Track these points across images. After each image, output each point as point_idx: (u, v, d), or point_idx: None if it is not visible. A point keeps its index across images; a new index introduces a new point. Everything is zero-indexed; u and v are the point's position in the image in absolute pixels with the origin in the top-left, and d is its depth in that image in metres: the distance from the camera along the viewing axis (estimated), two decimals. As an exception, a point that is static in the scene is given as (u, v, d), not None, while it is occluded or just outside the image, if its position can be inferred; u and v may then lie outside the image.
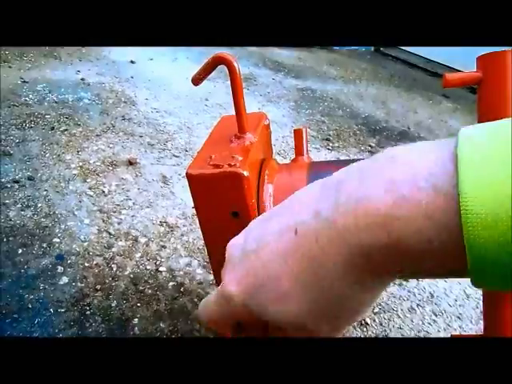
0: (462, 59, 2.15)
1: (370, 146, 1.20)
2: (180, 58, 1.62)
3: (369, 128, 1.33)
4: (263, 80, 1.57)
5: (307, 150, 0.38)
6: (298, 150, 0.38)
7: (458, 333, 0.61)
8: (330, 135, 1.21)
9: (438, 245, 0.15)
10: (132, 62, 1.44)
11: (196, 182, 0.30)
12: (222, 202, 0.30)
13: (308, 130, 1.24)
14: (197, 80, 0.33)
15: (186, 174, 0.30)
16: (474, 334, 0.58)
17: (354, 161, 0.39)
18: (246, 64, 1.75)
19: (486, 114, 0.35)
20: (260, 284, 0.20)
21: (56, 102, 1.05)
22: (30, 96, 1.04)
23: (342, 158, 1.10)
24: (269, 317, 0.20)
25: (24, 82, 1.11)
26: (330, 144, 1.15)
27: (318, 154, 1.09)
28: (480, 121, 0.35)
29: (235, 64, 0.31)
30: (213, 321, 0.24)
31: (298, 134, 0.38)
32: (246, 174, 0.29)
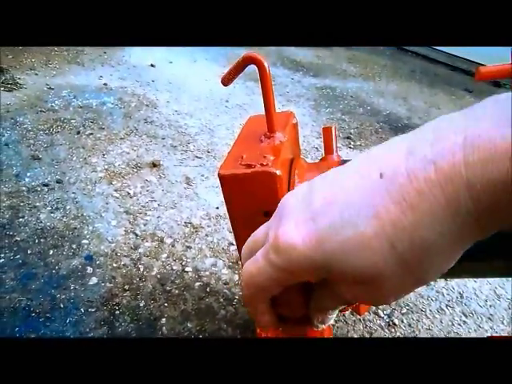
0: (483, 53, 2.09)
1: (392, 143, 1.18)
2: (199, 60, 1.63)
3: (390, 125, 1.31)
4: (282, 80, 1.57)
5: (336, 149, 0.38)
6: (328, 148, 0.37)
7: (489, 334, 0.60)
8: (351, 133, 1.20)
9: None
10: (152, 65, 1.46)
11: (228, 182, 0.30)
12: (255, 202, 0.30)
13: (329, 128, 1.23)
14: (227, 80, 0.33)
15: (218, 174, 0.30)
16: (509, 335, 0.57)
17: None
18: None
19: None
20: (335, 227, 0.17)
21: (81, 107, 1.07)
22: (56, 102, 1.07)
23: (364, 156, 1.09)
24: (344, 266, 0.17)
25: (50, 88, 1.14)
26: (352, 142, 1.14)
27: (339, 152, 1.08)
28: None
29: (265, 64, 0.31)
30: (252, 288, 0.20)
31: (327, 132, 0.37)
32: (278, 173, 0.29)
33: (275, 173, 0.29)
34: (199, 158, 0.93)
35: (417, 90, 1.72)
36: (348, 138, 1.17)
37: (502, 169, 0.13)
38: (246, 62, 0.31)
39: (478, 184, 0.14)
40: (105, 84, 1.24)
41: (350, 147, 1.12)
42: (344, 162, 0.36)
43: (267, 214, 0.31)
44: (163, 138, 0.99)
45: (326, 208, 0.17)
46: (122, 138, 0.96)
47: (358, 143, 1.15)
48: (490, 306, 0.65)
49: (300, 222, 0.18)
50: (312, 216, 0.18)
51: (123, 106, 1.12)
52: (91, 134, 0.96)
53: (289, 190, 0.33)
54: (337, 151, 0.38)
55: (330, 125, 0.38)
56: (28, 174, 0.78)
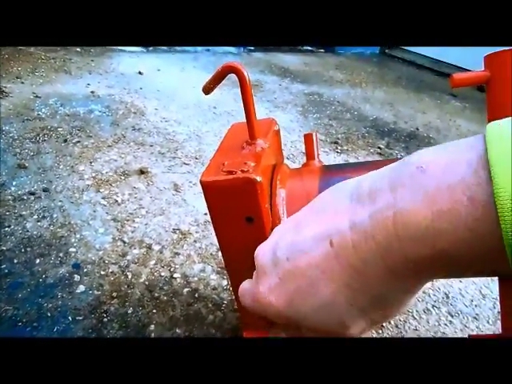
0: (469, 58, 2.13)
1: (379, 147, 1.20)
2: (187, 68, 1.64)
3: (377, 130, 1.33)
4: (270, 86, 1.59)
5: (318, 154, 0.38)
6: (309, 154, 0.38)
7: (475, 333, 0.61)
8: (338, 138, 1.21)
9: (482, 252, 0.15)
10: (140, 73, 1.47)
11: (210, 189, 0.31)
12: (237, 208, 0.31)
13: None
14: (207, 89, 0.33)
15: (200, 181, 0.31)
16: (492, 334, 0.58)
17: (364, 164, 0.39)
18: (252, 71, 1.76)
19: (495, 113, 0.35)
20: (300, 292, 0.20)
21: (68, 115, 1.07)
22: (43, 110, 1.07)
23: (351, 160, 1.10)
24: (308, 322, 0.21)
25: (36, 96, 1.14)
26: (339, 147, 1.16)
27: (326, 157, 1.09)
28: (490, 120, 0.35)
29: (245, 73, 0.32)
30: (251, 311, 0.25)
31: (308, 138, 0.38)
32: (259, 179, 0.30)
33: (256, 179, 0.30)
34: (187, 164, 0.94)
35: (403, 95, 1.75)
36: (335, 142, 1.18)
37: (428, 243, 0.16)
38: (226, 70, 0.32)
39: (411, 254, 0.16)
40: (92, 92, 1.24)
41: (338, 151, 1.13)
42: (324, 168, 0.37)
43: (249, 220, 0.32)
44: (151, 145, 1.00)
45: (291, 274, 0.21)
46: (109, 146, 0.96)
47: (346, 148, 1.16)
48: (476, 305, 0.66)
49: (272, 285, 0.21)
50: (281, 279, 0.21)
51: (111, 114, 1.12)
52: (78, 141, 0.96)
53: (271, 196, 0.34)
54: (318, 157, 0.38)
55: (312, 131, 0.39)
56: (14, 183, 0.78)
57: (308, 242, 0.20)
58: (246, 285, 0.25)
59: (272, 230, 0.29)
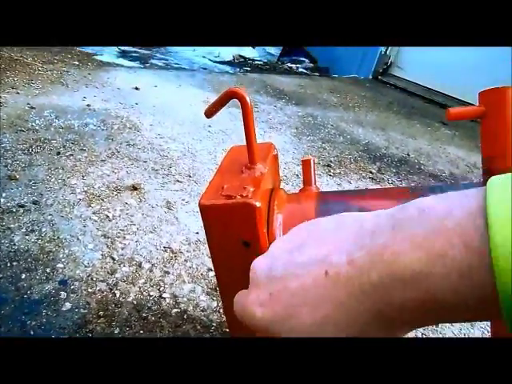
0: (459, 87, 2.19)
1: (370, 172, 1.21)
2: (184, 85, 1.66)
3: (369, 154, 1.35)
4: (265, 107, 1.61)
5: (315, 180, 0.39)
6: (307, 179, 0.38)
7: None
8: (331, 161, 1.23)
9: (474, 300, 0.15)
10: (136, 88, 1.48)
11: (209, 212, 0.31)
12: (234, 232, 0.31)
13: (309, 156, 1.26)
14: (210, 112, 0.34)
15: (199, 204, 0.31)
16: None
17: (360, 191, 0.40)
18: (248, 91, 1.77)
19: (489, 146, 0.36)
20: (286, 313, 0.20)
21: (62, 128, 1.06)
22: (37, 122, 1.06)
23: (344, 184, 1.11)
24: (286, 337, 0.21)
25: (31, 107, 1.13)
26: (332, 170, 1.17)
27: (319, 179, 1.10)
28: (484, 152, 0.36)
29: (247, 98, 0.32)
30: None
31: (305, 164, 0.39)
32: (258, 204, 0.30)
33: (255, 204, 0.30)
34: (180, 182, 0.94)
35: (395, 121, 1.78)
36: (328, 165, 1.19)
37: (421, 287, 0.16)
38: (229, 96, 0.32)
39: (403, 296, 0.17)
40: (88, 105, 1.24)
41: (330, 175, 1.14)
42: (321, 194, 0.37)
43: (247, 244, 0.32)
44: (145, 161, 0.99)
45: (281, 293, 0.21)
46: (103, 160, 0.96)
47: (338, 171, 1.18)
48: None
49: (261, 299, 0.22)
50: (271, 295, 0.21)
51: (106, 128, 1.12)
52: (71, 155, 0.95)
53: (268, 221, 0.34)
54: (315, 182, 0.39)
55: (309, 157, 0.39)
56: (3, 195, 0.77)
57: (303, 267, 0.21)
58: (240, 293, 0.25)
59: None
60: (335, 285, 0.19)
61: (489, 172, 0.35)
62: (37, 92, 1.26)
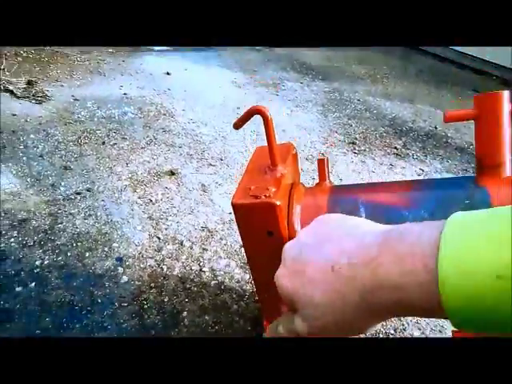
0: (492, 51, 2.11)
1: (395, 148, 1.24)
2: (212, 66, 1.71)
3: (395, 129, 1.37)
4: (291, 84, 1.64)
5: (328, 176, 0.45)
6: (322, 176, 0.45)
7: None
8: (356, 138, 1.27)
9: (429, 305, 0.21)
10: (168, 73, 1.55)
11: (240, 209, 0.39)
12: (260, 224, 0.39)
13: (336, 134, 1.30)
14: (237, 126, 0.41)
15: (232, 203, 0.39)
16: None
17: (370, 185, 0.46)
18: (274, 68, 1.82)
19: (481, 145, 0.41)
20: (302, 289, 0.28)
21: (104, 118, 1.17)
22: (82, 113, 1.17)
23: (368, 161, 1.15)
24: (298, 309, 0.29)
25: (75, 99, 1.24)
26: (356, 148, 1.21)
27: (344, 158, 1.15)
28: (478, 152, 0.41)
29: (268, 114, 0.39)
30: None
31: (320, 163, 0.45)
32: (278, 203, 0.37)
33: (275, 203, 0.37)
34: (213, 165, 1.02)
35: (424, 91, 1.76)
36: (353, 143, 1.23)
37: (395, 294, 0.22)
38: (252, 112, 0.39)
39: (383, 299, 0.23)
40: (125, 94, 1.33)
41: (355, 152, 1.19)
42: (333, 188, 0.44)
43: (270, 233, 0.39)
44: (180, 147, 1.08)
45: (300, 272, 0.29)
46: (142, 148, 1.05)
47: (363, 148, 1.22)
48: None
49: (286, 273, 0.30)
50: (294, 271, 0.29)
51: (143, 116, 1.21)
52: (115, 143, 1.05)
53: (288, 213, 0.41)
54: (329, 177, 0.45)
55: (323, 157, 0.46)
56: (62, 184, 0.88)
57: (319, 258, 0.28)
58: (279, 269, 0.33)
59: (289, 239, 0.36)
60: (337, 278, 0.26)
61: (481, 167, 0.41)
62: (78, 83, 1.37)
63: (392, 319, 0.66)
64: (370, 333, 0.63)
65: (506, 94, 0.40)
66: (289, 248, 0.32)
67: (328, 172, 0.45)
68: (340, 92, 1.63)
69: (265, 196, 0.38)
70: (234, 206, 0.39)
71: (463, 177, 0.42)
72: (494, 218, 0.19)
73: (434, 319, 0.67)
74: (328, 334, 0.28)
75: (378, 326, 0.64)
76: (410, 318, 0.67)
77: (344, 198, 0.42)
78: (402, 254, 0.22)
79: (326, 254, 0.27)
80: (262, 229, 0.39)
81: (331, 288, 0.26)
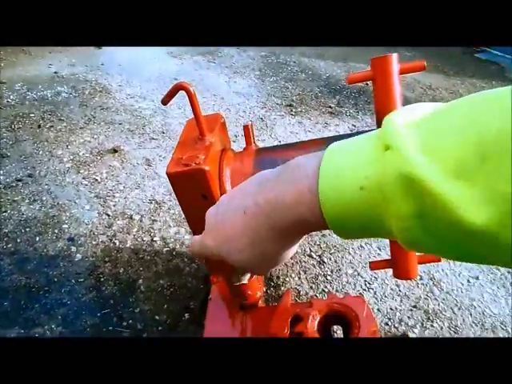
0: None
1: (329, 107, 1.32)
2: (145, 37, 1.66)
3: (329, 89, 1.44)
4: (229, 51, 1.64)
5: (254, 141, 0.51)
6: (248, 140, 0.50)
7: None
8: (293, 100, 1.32)
9: (317, 220, 0.26)
10: (99, 47, 1.50)
11: (174, 178, 0.43)
12: (194, 190, 0.43)
13: (273, 98, 1.34)
14: (165, 101, 0.44)
15: (166, 172, 0.43)
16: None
17: (290, 145, 0.52)
18: (210, 35, 1.80)
19: (378, 103, 0.47)
20: (225, 241, 0.33)
21: (36, 100, 1.13)
22: (12, 97, 1.12)
23: (305, 121, 1.22)
24: (229, 260, 0.34)
25: (1, 82, 1.18)
26: (294, 110, 1.27)
27: (282, 120, 1.20)
28: (375, 108, 0.47)
29: (191, 89, 0.43)
30: (197, 255, 0.37)
31: (246, 128, 0.50)
32: (207, 168, 0.42)
33: (205, 169, 0.42)
34: (155, 139, 1.04)
35: (357, 51, 1.83)
36: (290, 105, 1.29)
37: (294, 213, 0.27)
38: (178, 88, 0.42)
39: (285, 220, 0.28)
40: (55, 72, 1.28)
41: (292, 114, 1.24)
42: (257, 151, 0.49)
43: (204, 197, 0.44)
44: (120, 124, 1.08)
45: (221, 227, 0.33)
46: (81, 128, 1.04)
47: (300, 109, 1.28)
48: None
49: (210, 232, 0.34)
50: (216, 229, 0.34)
51: (78, 95, 1.18)
52: (52, 126, 1.03)
53: (219, 177, 0.46)
54: (254, 142, 0.51)
55: (248, 123, 0.50)
56: (1, 172, 0.87)
57: (232, 211, 0.32)
58: (196, 236, 0.37)
59: None
60: (249, 218, 0.31)
61: (379, 122, 0.47)
62: (2, 64, 1.29)
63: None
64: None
65: (395, 56, 0.46)
66: (209, 212, 0.36)
67: (253, 136, 0.51)
68: (276, 55, 1.66)
69: (195, 163, 0.42)
70: (168, 175, 0.43)
71: (369, 130, 0.49)
72: (357, 141, 0.24)
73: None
74: (256, 266, 0.33)
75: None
76: (344, 260, 0.76)
77: (266, 159, 0.48)
78: (292, 180, 0.27)
79: (237, 204, 0.32)
80: (196, 194, 0.44)
81: (247, 228, 0.31)
